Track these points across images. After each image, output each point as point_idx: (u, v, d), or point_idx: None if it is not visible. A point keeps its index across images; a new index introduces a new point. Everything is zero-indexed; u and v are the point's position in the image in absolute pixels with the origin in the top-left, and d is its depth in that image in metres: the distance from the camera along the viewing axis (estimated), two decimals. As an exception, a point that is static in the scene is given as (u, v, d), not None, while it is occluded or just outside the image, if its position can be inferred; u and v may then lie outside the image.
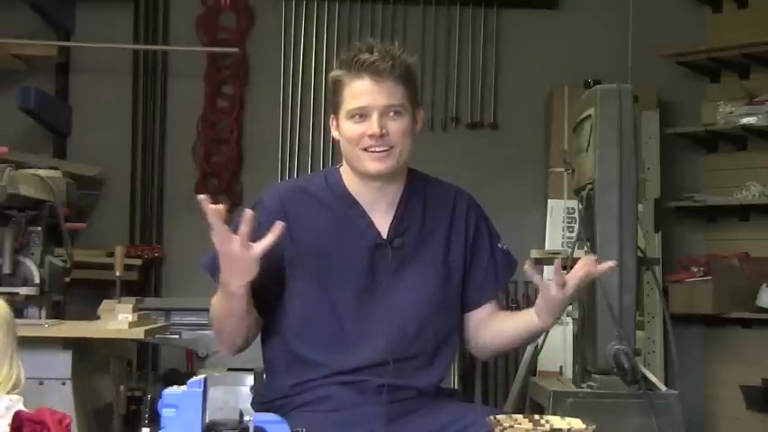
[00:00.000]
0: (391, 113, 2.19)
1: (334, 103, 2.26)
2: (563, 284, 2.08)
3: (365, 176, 2.25)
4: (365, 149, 2.20)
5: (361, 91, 2.19)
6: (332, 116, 2.29)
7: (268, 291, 2.24)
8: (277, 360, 2.29)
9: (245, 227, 2.02)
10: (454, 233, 2.32)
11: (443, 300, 2.29)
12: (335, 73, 2.24)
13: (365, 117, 2.19)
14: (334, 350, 2.22)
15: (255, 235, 2.11)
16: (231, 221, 2.24)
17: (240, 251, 2.03)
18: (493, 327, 2.34)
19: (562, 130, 5.01)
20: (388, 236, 2.27)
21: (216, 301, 2.21)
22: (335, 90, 2.24)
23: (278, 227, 2.03)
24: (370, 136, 2.18)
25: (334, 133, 2.29)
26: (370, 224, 2.28)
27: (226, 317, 2.21)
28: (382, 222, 2.28)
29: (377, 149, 2.19)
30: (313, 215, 2.27)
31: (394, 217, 2.29)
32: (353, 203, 2.28)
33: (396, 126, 2.20)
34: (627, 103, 2.78)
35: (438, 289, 2.28)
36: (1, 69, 5.23)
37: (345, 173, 2.31)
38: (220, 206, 2.03)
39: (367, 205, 2.28)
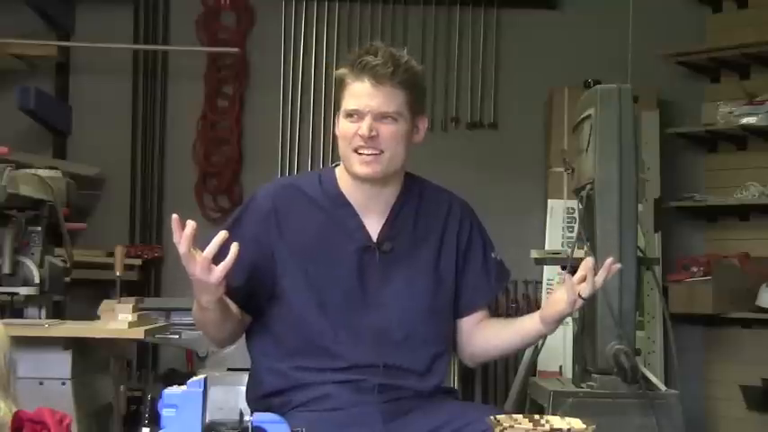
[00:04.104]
0: (385, 119, 2.19)
1: (336, 100, 2.28)
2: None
3: (356, 178, 2.25)
4: (355, 150, 2.21)
5: (359, 92, 2.19)
6: (337, 113, 2.30)
7: (258, 290, 2.25)
8: (268, 355, 2.29)
9: (209, 249, 2.02)
10: (446, 241, 2.32)
11: (433, 308, 2.28)
12: (340, 71, 2.25)
13: (359, 118, 2.20)
14: (325, 349, 2.22)
15: (247, 234, 2.19)
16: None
17: (201, 274, 2.04)
18: (488, 333, 2.35)
19: (562, 130, 5.01)
20: (377, 239, 2.27)
21: (194, 308, 2.23)
22: (338, 88, 2.25)
23: (234, 249, 2.02)
24: (360, 136, 2.19)
25: (337, 130, 2.29)
26: (361, 226, 2.27)
27: (203, 322, 2.24)
28: (374, 225, 2.28)
29: (365, 152, 2.19)
30: (304, 213, 2.27)
31: (386, 221, 2.28)
32: (345, 204, 2.28)
33: (387, 131, 2.19)
34: (627, 103, 2.78)
35: (427, 297, 2.28)
36: (1, 69, 5.23)
37: (341, 173, 2.31)
38: (189, 229, 2.00)
39: (359, 207, 2.28)
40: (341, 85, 2.24)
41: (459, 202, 2.38)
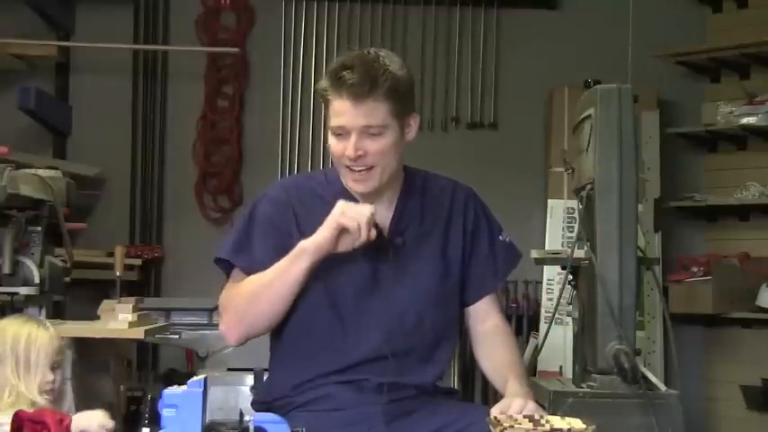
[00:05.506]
0: (372, 133, 2.18)
1: (324, 113, 2.27)
2: None
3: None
4: (347, 167, 2.21)
5: (340, 110, 2.18)
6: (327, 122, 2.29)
7: None
8: (280, 355, 2.30)
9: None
10: (452, 228, 2.33)
11: (442, 294, 2.30)
12: (321, 85, 2.22)
13: (345, 136, 2.19)
14: (334, 346, 2.23)
15: (267, 221, 2.24)
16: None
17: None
18: (488, 357, 2.36)
19: (562, 130, 5.01)
20: (388, 235, 2.27)
21: (261, 279, 2.20)
22: (323, 102, 2.24)
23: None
24: (348, 157, 2.18)
25: (329, 142, 2.28)
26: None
27: (268, 297, 2.20)
28: (382, 221, 2.28)
29: (356, 169, 2.19)
30: (315, 208, 2.27)
31: (393, 216, 2.29)
32: (353, 201, 2.28)
33: (375, 146, 2.18)
34: (627, 103, 2.77)
35: (436, 284, 2.29)
36: (1, 69, 5.23)
37: None
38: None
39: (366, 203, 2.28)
40: (323, 99, 2.22)
41: (462, 189, 2.39)
